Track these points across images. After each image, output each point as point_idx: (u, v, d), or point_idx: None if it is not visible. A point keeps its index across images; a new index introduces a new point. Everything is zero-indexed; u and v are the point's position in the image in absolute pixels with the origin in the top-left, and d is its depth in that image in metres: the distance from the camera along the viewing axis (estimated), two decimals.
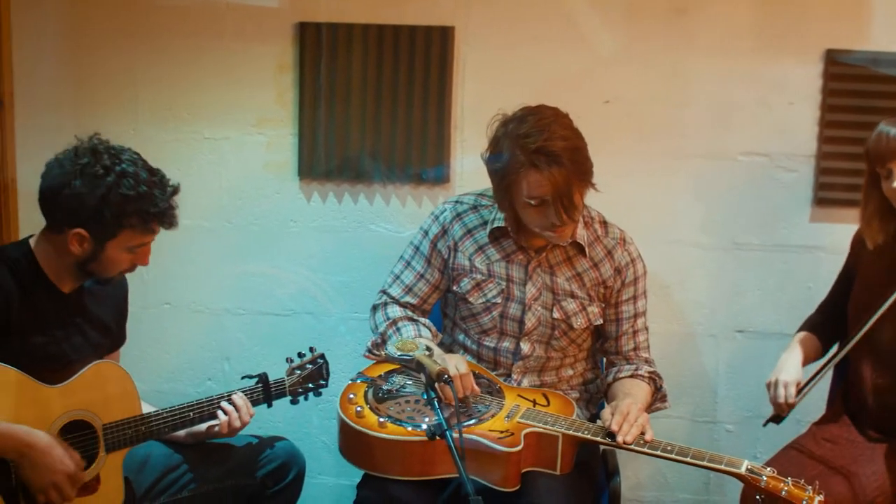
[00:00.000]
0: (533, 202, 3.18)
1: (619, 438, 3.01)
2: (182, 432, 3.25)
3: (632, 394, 3.33)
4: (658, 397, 3.49)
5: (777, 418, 3.40)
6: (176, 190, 3.05)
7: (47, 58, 4.13)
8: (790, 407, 3.33)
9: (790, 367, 3.39)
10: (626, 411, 3.09)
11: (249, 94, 4.10)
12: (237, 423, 3.21)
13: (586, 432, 3.08)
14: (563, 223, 3.21)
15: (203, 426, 3.24)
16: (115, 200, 2.89)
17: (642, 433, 3.06)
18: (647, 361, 3.51)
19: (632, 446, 3.03)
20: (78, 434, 2.96)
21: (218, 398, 3.23)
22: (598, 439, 3.06)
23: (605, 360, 3.59)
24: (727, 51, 3.92)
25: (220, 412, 3.20)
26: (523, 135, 3.15)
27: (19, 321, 2.91)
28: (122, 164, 2.93)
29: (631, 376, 3.46)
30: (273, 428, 4.01)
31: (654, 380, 3.48)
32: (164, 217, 3.01)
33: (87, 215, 2.90)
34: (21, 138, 4.11)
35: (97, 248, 2.95)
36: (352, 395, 3.26)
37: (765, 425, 3.42)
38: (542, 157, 3.11)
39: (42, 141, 3.95)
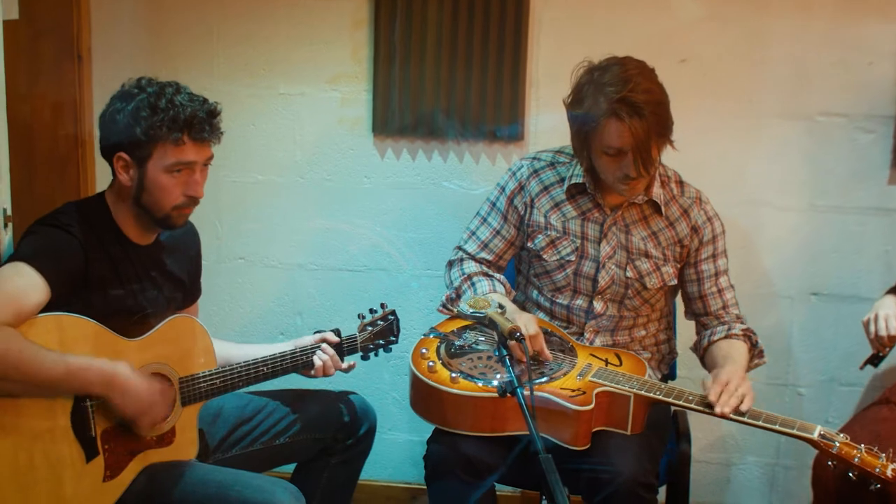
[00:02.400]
0: (610, 151, 3.17)
1: (717, 409, 2.97)
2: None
3: (731, 356, 3.30)
4: (755, 353, 3.45)
5: (875, 359, 3.32)
6: (213, 108, 3.02)
7: (125, 13, 4.16)
8: (892, 341, 3.26)
9: (889, 303, 3.33)
10: (726, 381, 3.05)
11: (324, 50, 4.11)
12: (331, 371, 3.28)
13: (690, 400, 3.05)
14: (639, 176, 3.19)
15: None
16: (145, 114, 2.90)
17: (740, 403, 3.01)
18: (739, 318, 3.48)
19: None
20: None
21: (291, 353, 3.26)
22: (696, 407, 3.03)
23: (696, 323, 3.55)
24: (805, 9, 3.86)
25: (315, 359, 3.27)
26: (607, 83, 3.14)
27: (97, 275, 2.93)
28: (158, 86, 2.96)
29: (726, 337, 3.42)
30: (345, 383, 4.03)
31: (749, 336, 3.44)
32: (193, 126, 2.95)
33: (123, 133, 2.92)
34: (98, 92, 4.15)
35: (140, 173, 2.95)
36: (424, 350, 3.28)
37: (862, 368, 3.34)
38: (624, 108, 3.10)
39: None
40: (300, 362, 3.27)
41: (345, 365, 3.33)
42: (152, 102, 2.91)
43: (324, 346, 3.29)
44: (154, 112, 2.90)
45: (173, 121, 2.91)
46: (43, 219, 2.94)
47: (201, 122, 2.96)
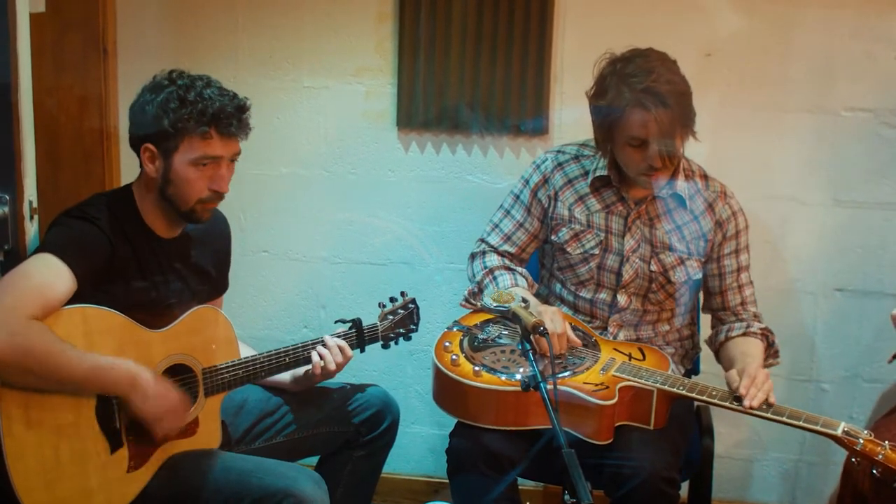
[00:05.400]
0: (634, 143, 3.18)
1: (746, 403, 2.97)
2: (287, 377, 3.32)
3: (749, 353, 3.31)
4: (771, 353, 3.45)
5: None
6: (243, 104, 3.03)
7: (151, 6, 4.17)
8: None
9: None
10: (754, 375, 3.05)
11: (349, 42, 4.10)
12: (332, 367, 3.23)
13: (713, 395, 3.04)
14: (663, 166, 3.20)
15: (301, 370, 3.28)
16: (173, 106, 2.91)
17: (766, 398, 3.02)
18: (756, 317, 3.48)
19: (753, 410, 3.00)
20: (178, 378, 3.00)
21: (313, 343, 3.27)
22: (721, 403, 3.02)
23: (712, 317, 3.56)
24: (832, 2, 3.84)
25: (314, 354, 3.24)
26: (630, 74, 3.15)
27: (122, 267, 2.94)
28: (189, 79, 2.97)
29: (743, 334, 3.43)
30: (367, 377, 4.05)
31: (767, 336, 3.44)
32: (221, 120, 2.95)
33: (151, 124, 2.93)
34: (123, 86, 4.16)
35: (167, 165, 2.96)
36: (447, 343, 3.28)
37: (890, 361, 3.33)
38: (649, 98, 3.10)
39: None
40: None
41: (336, 365, 3.26)
42: (181, 95, 2.93)
43: (326, 338, 3.27)
44: (183, 104, 2.92)
45: (201, 114, 2.93)
46: (70, 210, 2.95)
47: (229, 117, 2.97)
